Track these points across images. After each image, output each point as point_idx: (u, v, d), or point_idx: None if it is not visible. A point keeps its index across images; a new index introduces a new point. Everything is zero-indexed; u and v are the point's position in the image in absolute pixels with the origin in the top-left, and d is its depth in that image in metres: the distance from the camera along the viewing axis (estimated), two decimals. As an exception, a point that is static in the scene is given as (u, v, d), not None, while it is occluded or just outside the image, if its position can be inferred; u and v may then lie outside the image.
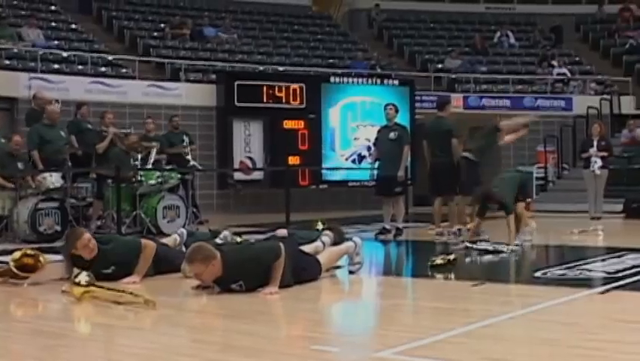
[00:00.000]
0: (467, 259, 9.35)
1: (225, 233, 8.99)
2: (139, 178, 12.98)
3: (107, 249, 7.30)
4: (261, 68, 20.67)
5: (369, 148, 19.58)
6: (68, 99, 16.04)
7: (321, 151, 19.03)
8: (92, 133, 13.89)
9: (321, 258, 7.54)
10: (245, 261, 6.65)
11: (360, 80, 20.33)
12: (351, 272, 7.83)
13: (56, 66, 17.92)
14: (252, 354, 4.57)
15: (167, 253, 7.90)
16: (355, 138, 19.67)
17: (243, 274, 6.61)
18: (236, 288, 6.63)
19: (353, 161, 19.63)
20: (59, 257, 8.08)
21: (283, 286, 6.69)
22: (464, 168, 11.85)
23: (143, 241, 7.51)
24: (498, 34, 25.82)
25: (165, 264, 7.73)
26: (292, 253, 7.09)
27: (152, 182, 13.14)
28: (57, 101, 14.35)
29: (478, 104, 22.24)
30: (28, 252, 7.45)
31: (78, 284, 6.33)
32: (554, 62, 23.85)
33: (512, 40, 25.76)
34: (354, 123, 19.66)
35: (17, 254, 7.37)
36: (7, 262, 7.44)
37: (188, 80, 19.26)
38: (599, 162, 15.80)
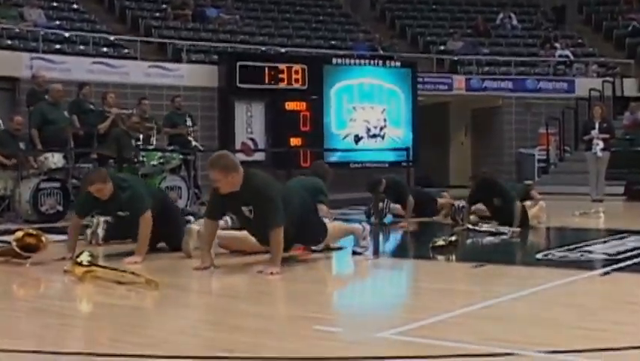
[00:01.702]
0: (468, 241, 9.36)
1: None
2: (140, 159, 12.99)
3: (122, 197, 7.49)
4: (263, 49, 20.63)
5: (367, 130, 19.67)
6: (70, 79, 16.00)
7: (323, 132, 19.01)
8: (94, 113, 13.90)
9: (329, 227, 7.62)
10: (262, 192, 6.72)
11: (362, 61, 20.29)
12: (355, 253, 7.83)
13: (58, 46, 17.89)
14: (255, 334, 4.59)
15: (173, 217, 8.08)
16: (352, 119, 19.65)
17: (255, 201, 6.73)
18: (246, 212, 6.81)
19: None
20: (61, 237, 8.11)
21: (286, 245, 6.87)
22: None
23: (143, 215, 7.49)
24: (500, 15, 25.74)
25: (169, 226, 7.83)
26: (305, 208, 7.29)
27: (154, 163, 13.15)
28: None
29: (480, 86, 22.22)
30: (31, 232, 7.47)
31: (80, 264, 6.35)
32: (557, 44, 23.79)
33: (515, 22, 25.69)
34: (351, 105, 19.64)
35: (19, 234, 7.38)
36: (9, 242, 7.46)
37: (189, 61, 19.23)
38: (601, 145, 15.81)
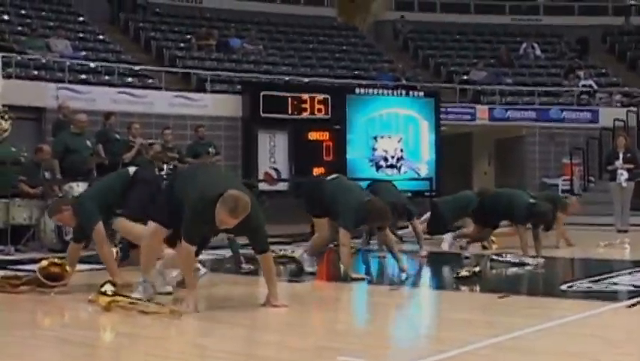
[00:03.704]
0: (493, 271, 9.31)
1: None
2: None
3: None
4: (287, 79, 20.74)
5: (385, 159, 19.67)
6: (95, 109, 16.16)
7: (346, 162, 19.02)
8: (120, 143, 14.00)
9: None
10: (252, 220, 6.25)
11: (385, 91, 20.34)
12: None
13: (84, 76, 18.07)
14: (278, 365, 4.58)
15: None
16: (375, 149, 19.69)
17: (242, 229, 6.39)
18: (224, 235, 6.62)
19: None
20: (86, 266, 8.14)
21: None
22: None
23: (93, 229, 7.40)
24: (524, 45, 25.75)
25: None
26: None
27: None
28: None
29: (504, 115, 22.18)
30: (55, 261, 7.50)
31: (104, 294, 6.37)
32: (580, 74, 23.74)
33: (538, 52, 25.69)
34: (374, 135, 19.68)
35: (44, 263, 7.42)
36: (34, 271, 7.50)
37: (213, 91, 19.35)
38: (625, 175, 15.71)
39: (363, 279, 8.29)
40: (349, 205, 8.19)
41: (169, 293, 6.83)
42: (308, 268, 8.76)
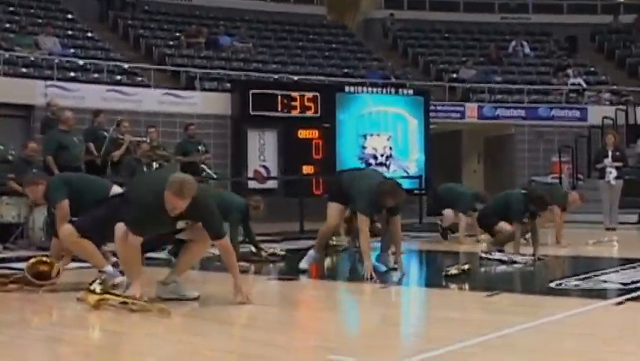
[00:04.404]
0: (482, 269, 9.33)
1: None
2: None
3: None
4: (276, 77, 20.73)
5: (374, 157, 19.67)
6: (84, 107, 16.12)
7: (336, 160, 19.03)
8: (108, 141, 13.95)
9: None
10: (203, 206, 6.29)
11: (374, 89, 20.35)
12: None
13: (72, 74, 18.03)
14: (267, 363, 4.57)
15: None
16: (364, 147, 19.69)
17: (195, 216, 6.35)
18: (181, 224, 6.40)
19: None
20: (75, 265, 8.12)
21: None
22: None
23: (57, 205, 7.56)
24: (513, 43, 25.81)
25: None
26: None
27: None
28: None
29: (493, 114, 22.24)
30: (43, 259, 7.48)
31: (93, 292, 6.35)
32: (569, 72, 23.80)
33: (527, 50, 25.74)
34: (363, 133, 19.68)
35: (32, 261, 7.40)
36: (22, 270, 7.47)
37: (203, 89, 19.34)
38: (614, 173, 15.76)
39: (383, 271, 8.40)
40: (363, 189, 8.29)
41: (195, 299, 6.73)
42: (302, 265, 8.72)
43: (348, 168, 9.20)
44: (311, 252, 8.83)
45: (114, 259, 7.27)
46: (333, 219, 8.69)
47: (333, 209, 8.65)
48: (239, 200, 9.97)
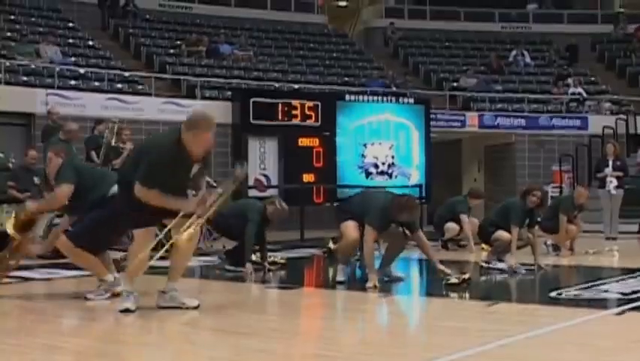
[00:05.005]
0: (482, 279, 9.32)
1: None
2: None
3: None
4: (277, 85, 20.73)
5: (375, 166, 19.66)
6: (85, 115, 16.12)
7: (336, 169, 19.02)
8: (110, 149, 13.94)
9: None
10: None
11: (375, 98, 20.36)
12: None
13: (73, 82, 18.02)
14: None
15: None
16: (364, 155, 19.69)
17: None
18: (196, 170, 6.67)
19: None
20: (74, 273, 8.11)
21: None
22: None
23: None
24: (513, 53, 25.82)
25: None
26: None
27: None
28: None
29: (493, 122, 22.23)
30: (18, 214, 7.51)
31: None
32: (570, 82, 23.81)
33: (528, 60, 25.75)
34: (364, 141, 19.67)
35: (12, 221, 7.46)
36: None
37: (203, 97, 19.32)
38: (615, 182, 15.73)
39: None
40: (378, 204, 8.33)
41: (195, 308, 6.71)
42: (339, 278, 8.63)
43: (352, 194, 9.10)
44: (340, 266, 8.73)
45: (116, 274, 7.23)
46: (352, 232, 8.43)
47: (349, 226, 8.45)
48: (259, 203, 10.07)
